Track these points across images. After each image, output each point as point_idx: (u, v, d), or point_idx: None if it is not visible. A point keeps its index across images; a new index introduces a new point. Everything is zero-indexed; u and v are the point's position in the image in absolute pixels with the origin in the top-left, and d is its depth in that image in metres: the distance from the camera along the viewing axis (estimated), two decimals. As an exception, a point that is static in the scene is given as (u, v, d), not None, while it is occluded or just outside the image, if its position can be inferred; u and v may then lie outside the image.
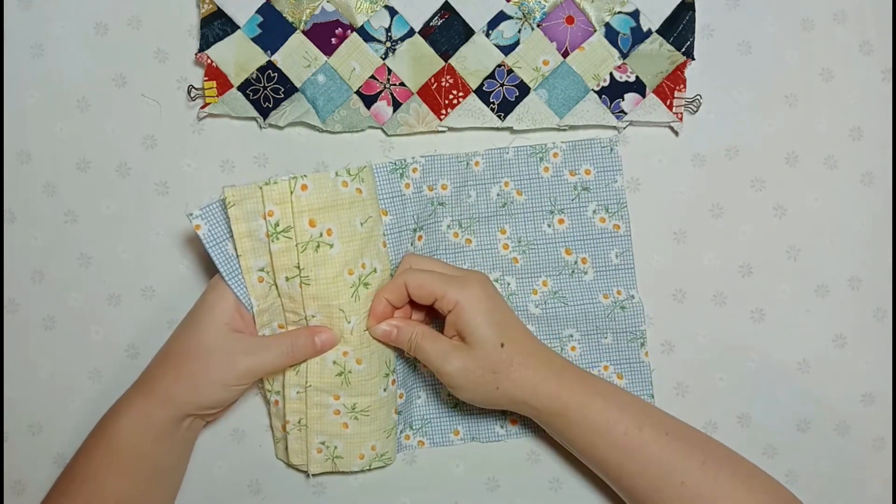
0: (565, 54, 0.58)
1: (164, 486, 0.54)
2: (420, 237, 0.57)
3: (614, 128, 0.58)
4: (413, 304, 0.54)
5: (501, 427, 0.58)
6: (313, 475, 0.55)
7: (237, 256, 0.51)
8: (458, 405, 0.58)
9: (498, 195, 0.58)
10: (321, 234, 0.51)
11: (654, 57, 0.58)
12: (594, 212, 0.58)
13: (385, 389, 0.55)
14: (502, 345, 0.51)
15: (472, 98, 0.58)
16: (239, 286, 0.52)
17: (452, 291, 0.51)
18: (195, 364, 0.50)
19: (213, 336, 0.51)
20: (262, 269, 0.52)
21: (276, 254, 0.51)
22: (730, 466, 0.50)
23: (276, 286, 0.52)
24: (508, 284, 0.58)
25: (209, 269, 0.58)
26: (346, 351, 0.53)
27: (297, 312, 0.53)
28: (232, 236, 0.51)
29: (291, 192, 0.50)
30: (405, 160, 0.57)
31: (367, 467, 0.55)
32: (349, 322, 0.52)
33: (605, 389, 0.52)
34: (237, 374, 0.51)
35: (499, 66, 0.58)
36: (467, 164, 0.58)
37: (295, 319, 0.53)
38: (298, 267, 0.51)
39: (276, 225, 0.51)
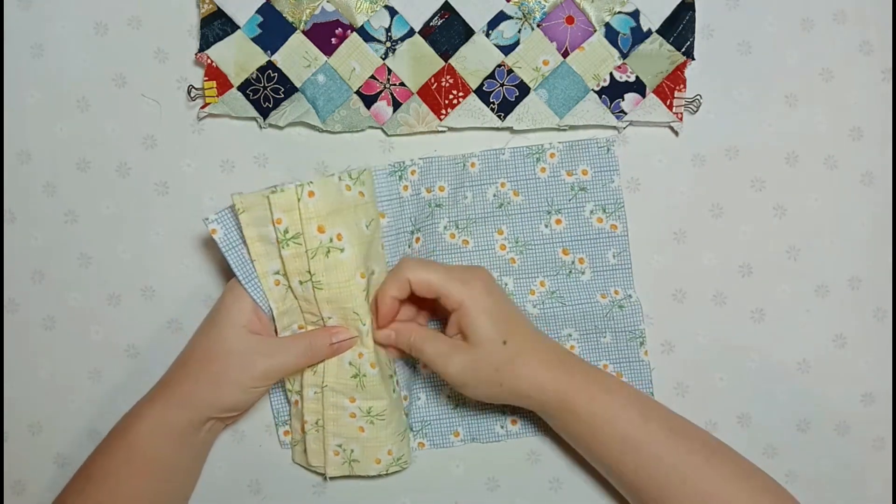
0: (565, 54, 0.58)
1: (180, 487, 0.54)
2: (418, 239, 0.57)
3: (614, 128, 0.58)
4: (416, 302, 0.54)
5: (501, 427, 0.58)
6: (330, 478, 0.55)
7: (252, 261, 0.52)
8: (458, 406, 0.58)
9: (494, 196, 0.58)
10: (331, 240, 0.51)
11: (654, 57, 0.58)
12: (591, 212, 0.58)
13: (395, 391, 0.55)
14: (504, 342, 0.51)
15: (472, 98, 0.58)
16: (255, 289, 0.52)
17: (455, 291, 0.51)
18: (215, 366, 0.51)
19: (232, 339, 0.51)
20: (277, 273, 0.52)
21: (287, 259, 0.51)
22: (732, 465, 0.50)
23: (292, 289, 0.52)
24: (506, 285, 0.58)
25: (210, 269, 0.58)
26: (362, 353, 0.53)
27: (314, 314, 0.53)
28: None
29: (299, 200, 0.50)
30: (403, 162, 0.57)
31: (385, 472, 0.55)
32: (364, 324, 0.52)
33: (609, 383, 0.52)
34: (256, 376, 0.51)
35: (499, 66, 0.58)
36: (464, 165, 0.58)
37: (313, 320, 0.53)
38: (310, 272, 0.51)
39: (286, 232, 0.51)
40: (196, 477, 0.56)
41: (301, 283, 0.52)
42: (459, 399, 0.58)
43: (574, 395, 0.51)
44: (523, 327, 0.52)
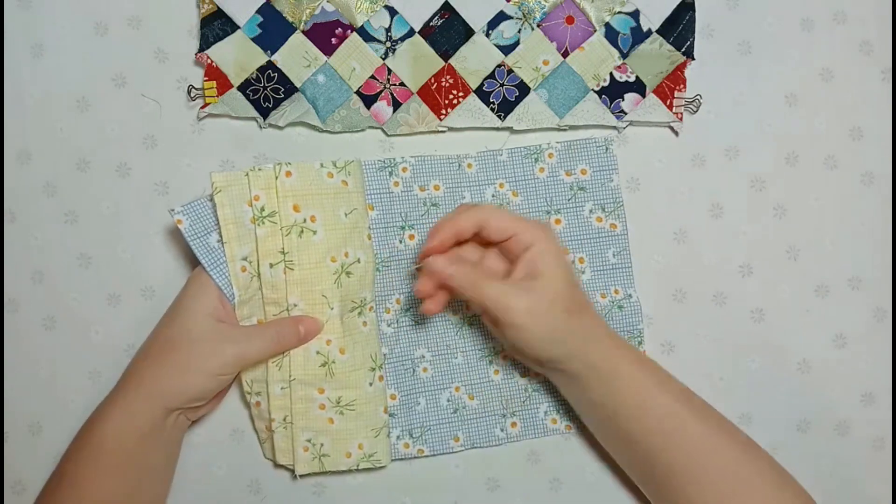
0: (565, 54, 0.58)
1: (152, 487, 0.53)
2: (412, 236, 0.57)
3: (614, 128, 0.58)
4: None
5: (501, 430, 0.57)
6: (300, 476, 0.55)
7: (222, 245, 0.52)
8: (458, 410, 0.58)
9: (493, 196, 0.58)
10: (305, 220, 0.52)
11: (654, 57, 0.58)
12: (591, 211, 0.58)
13: (371, 384, 0.55)
14: (577, 286, 0.51)
15: (472, 98, 0.58)
16: (221, 277, 0.52)
17: (531, 229, 0.50)
18: (180, 353, 0.50)
19: (198, 325, 0.51)
20: (245, 259, 0.52)
21: (261, 238, 0.52)
22: (765, 462, 0.50)
23: (259, 276, 0.53)
24: (507, 284, 0.58)
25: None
26: (330, 339, 0.53)
27: (278, 304, 0.53)
28: (215, 229, 0.52)
29: (276, 178, 0.52)
30: (394, 159, 0.57)
31: (355, 467, 0.55)
32: (332, 308, 0.53)
33: (651, 361, 0.52)
34: (223, 363, 0.51)
35: (499, 66, 0.58)
36: (459, 165, 0.58)
37: (275, 312, 0.53)
38: (283, 252, 0.52)
39: (262, 209, 0.52)
40: (168, 476, 0.55)
41: (272, 265, 0.52)
42: (459, 403, 0.58)
43: (623, 359, 0.50)
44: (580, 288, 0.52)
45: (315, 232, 0.52)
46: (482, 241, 0.53)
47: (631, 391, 0.50)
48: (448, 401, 0.58)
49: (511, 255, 0.52)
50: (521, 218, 0.51)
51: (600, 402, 0.51)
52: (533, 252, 0.50)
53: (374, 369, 0.55)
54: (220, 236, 0.52)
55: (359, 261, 0.54)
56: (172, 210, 0.52)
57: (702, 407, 0.51)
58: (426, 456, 0.57)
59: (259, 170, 0.52)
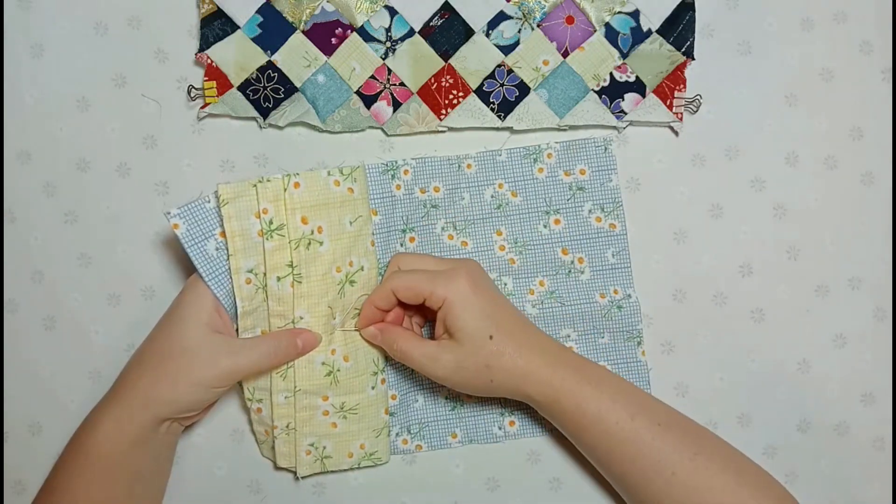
0: (565, 54, 0.58)
1: (146, 493, 0.53)
2: (412, 238, 0.58)
3: (614, 128, 0.58)
4: (406, 305, 0.54)
5: (499, 429, 0.58)
6: (302, 477, 0.55)
7: (220, 253, 0.51)
8: (456, 408, 0.58)
9: (492, 197, 0.58)
10: (312, 232, 0.52)
11: (654, 57, 0.58)
12: (590, 211, 0.58)
13: (373, 388, 0.55)
14: (491, 337, 0.50)
15: (472, 98, 0.58)
16: (219, 287, 0.51)
17: (439, 289, 0.50)
18: (175, 364, 0.49)
19: (194, 335, 0.50)
20: (250, 271, 0.52)
21: (269, 252, 0.51)
22: (721, 459, 0.50)
23: (265, 288, 0.52)
24: (506, 285, 0.58)
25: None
26: (334, 349, 0.53)
27: (284, 316, 0.52)
28: (213, 234, 0.51)
29: (285, 190, 0.51)
30: (396, 162, 0.57)
31: (357, 465, 0.55)
32: (335, 318, 0.53)
33: (599, 377, 0.51)
34: (218, 375, 0.50)
35: (499, 66, 0.58)
36: (459, 166, 0.58)
37: (280, 324, 0.53)
38: (291, 265, 0.51)
39: (271, 223, 0.51)
40: (163, 480, 0.55)
41: (279, 279, 0.52)
42: (457, 401, 0.58)
43: (560, 388, 0.50)
44: (512, 320, 0.52)
45: (321, 243, 0.52)
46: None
47: (570, 420, 0.51)
48: (446, 399, 0.58)
49: (432, 313, 0.53)
50: (431, 275, 0.51)
51: (551, 420, 0.53)
52: (444, 311, 0.51)
53: (376, 373, 0.55)
54: (219, 243, 0.52)
55: (362, 269, 0.54)
56: (168, 213, 0.51)
57: (651, 417, 0.50)
58: (424, 451, 0.58)
59: (267, 181, 0.51)
